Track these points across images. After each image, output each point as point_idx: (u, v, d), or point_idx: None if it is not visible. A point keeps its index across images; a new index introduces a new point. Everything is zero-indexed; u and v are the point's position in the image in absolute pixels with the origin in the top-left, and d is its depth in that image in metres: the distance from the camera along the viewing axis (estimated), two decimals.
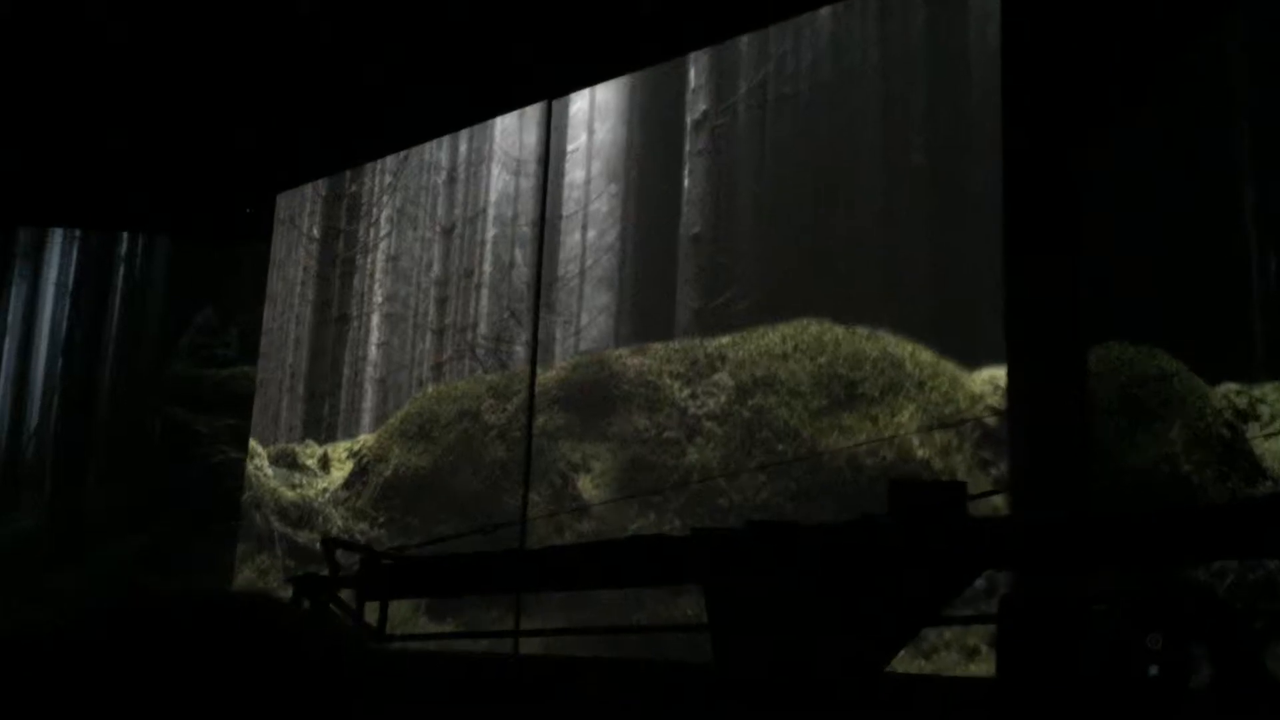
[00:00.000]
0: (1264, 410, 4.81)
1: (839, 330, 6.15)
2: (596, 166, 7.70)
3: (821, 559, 1.88)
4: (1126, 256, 5.06)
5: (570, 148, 7.81)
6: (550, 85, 7.70)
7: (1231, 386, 4.82)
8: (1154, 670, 1.64)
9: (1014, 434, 5.11)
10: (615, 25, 7.09)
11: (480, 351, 7.73)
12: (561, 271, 7.65)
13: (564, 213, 7.74)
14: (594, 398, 7.27)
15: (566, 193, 7.75)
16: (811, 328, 6.31)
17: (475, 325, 7.80)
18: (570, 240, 7.69)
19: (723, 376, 6.83)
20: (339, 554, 3.66)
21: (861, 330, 6.02)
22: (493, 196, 7.95)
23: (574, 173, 7.77)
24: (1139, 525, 1.88)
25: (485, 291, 7.81)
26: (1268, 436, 4.71)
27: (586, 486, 7.15)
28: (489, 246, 7.89)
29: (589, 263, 7.63)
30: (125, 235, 8.83)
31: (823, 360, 6.22)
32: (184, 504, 8.37)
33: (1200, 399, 4.92)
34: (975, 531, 1.88)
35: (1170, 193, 4.98)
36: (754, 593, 1.92)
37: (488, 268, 7.85)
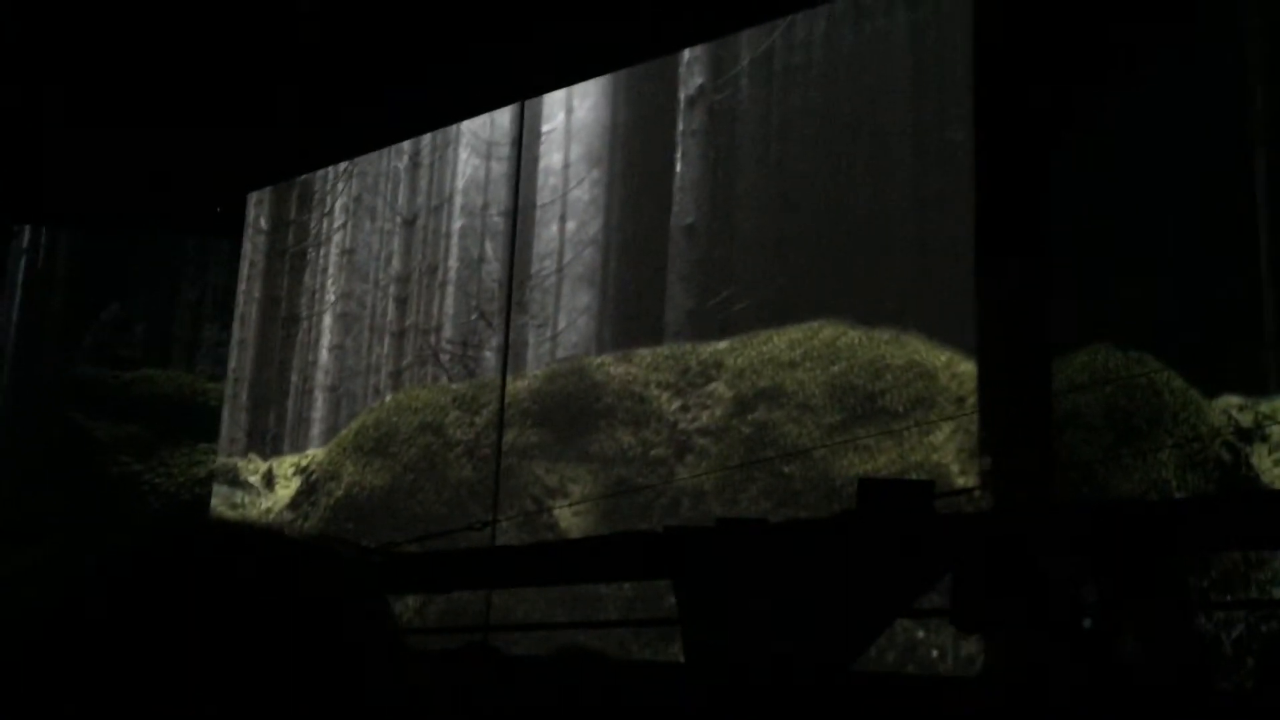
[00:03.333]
0: (1275, 431, 4.06)
1: (856, 334, 5.35)
2: (576, 150, 6.89)
3: (790, 554, 1.97)
4: (1118, 256, 4.46)
5: (546, 128, 6.99)
6: (532, 83, 6.99)
7: (1234, 400, 4.10)
8: (1087, 623, 1.69)
9: (984, 438, 4.77)
10: (599, 22, 6.52)
11: (445, 357, 6.87)
12: (536, 268, 6.83)
13: (539, 201, 6.92)
14: (572, 411, 6.48)
15: (542, 179, 6.93)
16: (824, 331, 5.51)
17: (439, 328, 6.95)
18: (546, 233, 6.87)
19: (718, 386, 6.03)
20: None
21: (884, 334, 5.21)
22: (459, 184, 7.09)
23: (550, 156, 6.95)
24: (1102, 519, 1.94)
25: (451, 289, 6.96)
26: None
27: (564, 513, 6.36)
28: (455, 239, 7.04)
29: (567, 258, 6.82)
30: (27, 228, 8.17)
31: (837, 369, 5.42)
32: (84, 516, 7.58)
33: (1196, 415, 4.22)
34: (941, 527, 1.96)
35: (1168, 186, 4.35)
36: (724, 589, 2.00)
37: (454, 263, 7.00)
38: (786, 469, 5.57)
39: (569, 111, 6.98)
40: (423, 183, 7.25)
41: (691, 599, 2.05)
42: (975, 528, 2.09)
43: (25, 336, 8.18)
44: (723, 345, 5.99)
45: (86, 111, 7.18)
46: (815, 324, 5.56)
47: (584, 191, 6.82)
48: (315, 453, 7.31)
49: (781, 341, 5.71)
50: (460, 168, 7.06)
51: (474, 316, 6.79)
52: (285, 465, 7.42)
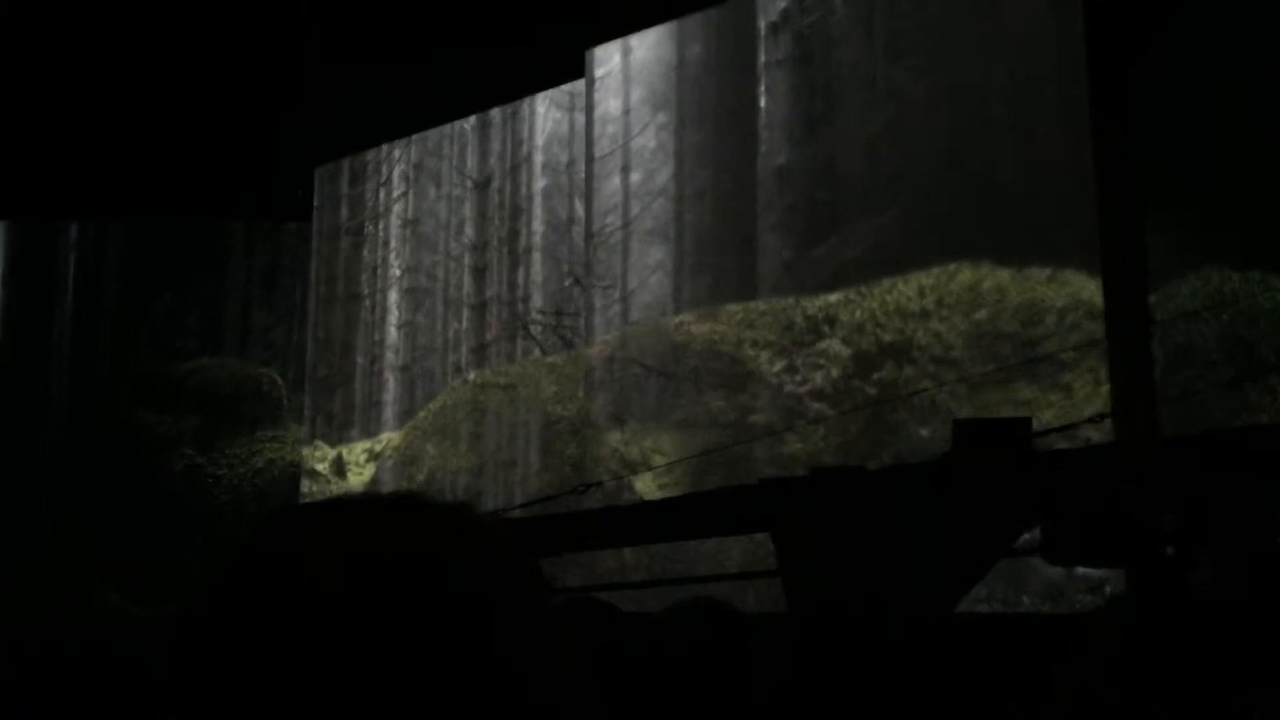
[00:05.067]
0: None
1: (1003, 275, 4.83)
2: (636, 94, 6.34)
3: (886, 500, 1.92)
4: (1236, 169, 4.08)
5: (599, 72, 6.44)
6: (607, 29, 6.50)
7: None
8: (1170, 550, 1.71)
9: (1113, 375, 4.50)
10: None
11: (536, 329, 6.37)
12: (598, 225, 6.31)
13: (597, 153, 6.38)
14: (651, 376, 5.99)
15: (599, 129, 6.39)
16: (961, 275, 4.99)
17: (527, 297, 6.43)
18: (607, 186, 6.34)
19: (833, 344, 5.53)
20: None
21: (1038, 272, 4.70)
22: (539, 140, 6.55)
23: (607, 104, 6.40)
24: (1198, 449, 1.87)
25: (538, 255, 6.44)
26: None
27: (648, 486, 5.88)
28: (538, 200, 6.51)
29: (633, 212, 6.29)
30: (74, 225, 7.84)
31: (981, 315, 4.91)
32: (150, 516, 7.26)
33: None
34: (1038, 464, 1.90)
35: None
36: (822, 538, 1.94)
37: (539, 226, 6.47)
38: (925, 431, 5.08)
39: (626, 53, 6.42)
40: (494, 143, 6.70)
41: (789, 550, 2.05)
42: (1068, 464, 2.08)
43: (81, 333, 7.81)
44: (834, 298, 5.48)
45: (133, 93, 6.80)
46: (949, 267, 5.04)
47: (648, 138, 6.29)
48: (390, 437, 6.85)
49: (908, 289, 5.20)
50: (539, 123, 6.51)
51: (568, 282, 6.28)
52: (356, 451, 6.96)
